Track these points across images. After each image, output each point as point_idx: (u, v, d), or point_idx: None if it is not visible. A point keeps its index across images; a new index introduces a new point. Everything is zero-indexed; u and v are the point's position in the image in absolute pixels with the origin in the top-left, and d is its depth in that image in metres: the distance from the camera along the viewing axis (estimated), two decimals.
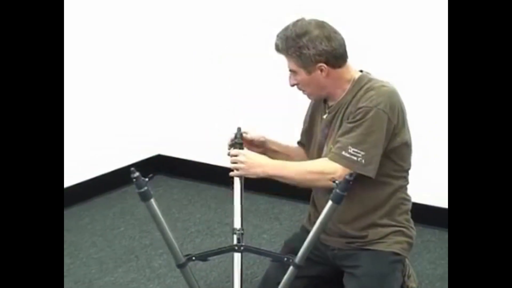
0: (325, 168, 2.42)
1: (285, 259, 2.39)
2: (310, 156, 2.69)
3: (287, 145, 2.81)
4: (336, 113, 2.52)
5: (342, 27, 3.52)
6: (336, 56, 2.44)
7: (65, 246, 3.55)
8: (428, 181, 3.59)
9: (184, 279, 2.50)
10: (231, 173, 2.57)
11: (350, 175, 2.18)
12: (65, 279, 3.19)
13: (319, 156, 2.59)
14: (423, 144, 3.54)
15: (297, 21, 2.45)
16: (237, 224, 2.53)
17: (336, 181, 2.21)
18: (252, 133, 2.73)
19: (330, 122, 2.55)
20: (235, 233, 2.49)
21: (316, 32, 2.40)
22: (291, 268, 2.36)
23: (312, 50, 2.39)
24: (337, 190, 2.19)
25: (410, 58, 3.59)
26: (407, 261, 2.73)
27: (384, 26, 3.64)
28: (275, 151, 2.74)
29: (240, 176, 2.58)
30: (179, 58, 4.49)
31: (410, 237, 2.62)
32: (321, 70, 2.43)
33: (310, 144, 2.70)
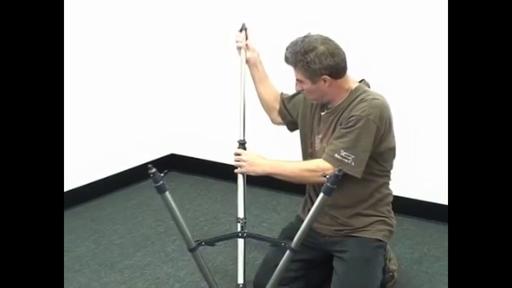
0: (319, 167, 2.43)
1: (283, 244, 2.41)
2: (301, 140, 2.72)
3: (270, 82, 2.90)
4: (332, 115, 2.53)
5: (347, 27, 3.51)
6: (338, 69, 2.45)
7: (90, 233, 3.56)
8: (428, 178, 3.60)
9: (194, 262, 2.49)
10: (235, 170, 2.60)
11: (339, 170, 2.20)
12: (90, 262, 3.20)
13: (308, 142, 2.65)
14: (424, 143, 3.58)
15: (305, 37, 2.45)
16: (240, 214, 2.56)
17: (327, 176, 2.23)
18: (252, 39, 2.85)
19: (326, 121, 2.56)
20: (239, 222, 2.53)
21: (322, 48, 2.40)
22: (288, 252, 2.38)
23: (318, 64, 2.40)
24: (328, 184, 2.21)
25: (411, 59, 3.53)
26: (388, 246, 2.74)
27: (387, 28, 3.59)
28: (258, 71, 2.86)
29: (242, 173, 2.60)
30: (189, 63, 4.43)
31: (391, 225, 2.64)
32: (325, 81, 2.44)
33: (303, 130, 2.71)
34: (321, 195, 2.25)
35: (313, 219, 2.33)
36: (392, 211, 2.68)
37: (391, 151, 2.57)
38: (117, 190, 4.23)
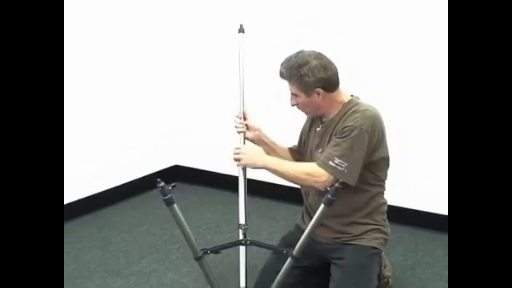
0: (313, 172, 2.44)
1: (285, 251, 2.38)
2: (303, 159, 2.72)
3: (279, 146, 2.82)
4: (327, 128, 2.55)
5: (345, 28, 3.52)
6: (331, 82, 2.47)
7: (98, 241, 3.57)
8: (422, 188, 3.61)
9: (197, 269, 2.49)
10: (237, 164, 2.58)
11: (339, 183, 2.21)
12: (98, 268, 3.21)
13: (310, 159, 2.62)
14: (416, 155, 3.59)
15: (298, 53, 2.48)
16: (242, 220, 2.52)
17: (328, 188, 2.23)
18: (251, 118, 2.77)
19: (321, 135, 2.58)
20: (241, 228, 2.49)
21: (314, 62, 2.44)
22: (289, 259, 2.36)
23: (311, 78, 2.43)
24: (329, 196, 2.21)
25: (410, 70, 3.53)
26: (383, 253, 2.74)
27: (387, 37, 3.58)
28: (266, 144, 2.76)
29: (243, 166, 2.58)
30: (193, 78, 4.44)
31: (386, 233, 2.64)
32: (318, 94, 2.47)
33: (306, 149, 2.71)
34: (322, 205, 2.25)
35: (314, 228, 2.32)
36: (387, 220, 2.68)
37: (384, 161, 2.57)
38: (124, 199, 4.24)
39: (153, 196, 4.17)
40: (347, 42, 3.63)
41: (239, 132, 2.76)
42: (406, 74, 3.57)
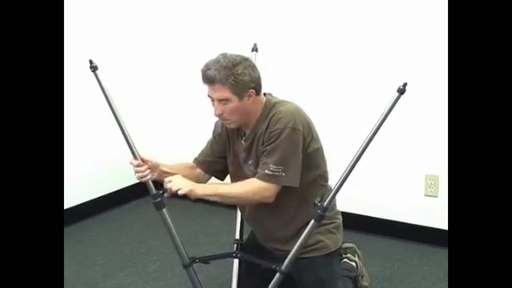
0: (258, 189, 2.32)
1: (273, 267, 2.32)
2: (232, 173, 2.59)
3: (183, 167, 2.57)
4: (253, 140, 2.41)
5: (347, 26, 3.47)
6: (260, 83, 2.36)
7: (75, 254, 3.52)
8: (405, 199, 3.56)
9: (176, 282, 2.49)
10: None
11: (319, 200, 2.17)
12: (75, 282, 3.16)
13: (240, 171, 2.51)
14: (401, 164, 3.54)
15: (223, 54, 2.32)
16: (237, 235, 2.63)
17: (317, 203, 2.18)
18: (148, 158, 2.40)
19: (248, 149, 2.44)
20: (235, 243, 2.58)
21: (246, 62, 2.32)
22: (278, 274, 2.31)
23: (247, 76, 2.28)
24: (319, 211, 2.17)
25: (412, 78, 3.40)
26: (360, 263, 2.68)
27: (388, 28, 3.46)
28: (169, 173, 2.40)
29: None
30: (186, 88, 4.30)
31: (338, 227, 2.54)
32: (250, 97, 2.33)
33: (234, 163, 2.55)
34: (312, 221, 2.20)
35: (303, 243, 2.27)
36: (338, 211, 2.58)
37: (318, 152, 2.45)
38: (101, 213, 4.19)
39: (130, 209, 4.15)
40: (347, 42, 3.56)
41: (143, 180, 2.36)
42: (407, 75, 3.48)
